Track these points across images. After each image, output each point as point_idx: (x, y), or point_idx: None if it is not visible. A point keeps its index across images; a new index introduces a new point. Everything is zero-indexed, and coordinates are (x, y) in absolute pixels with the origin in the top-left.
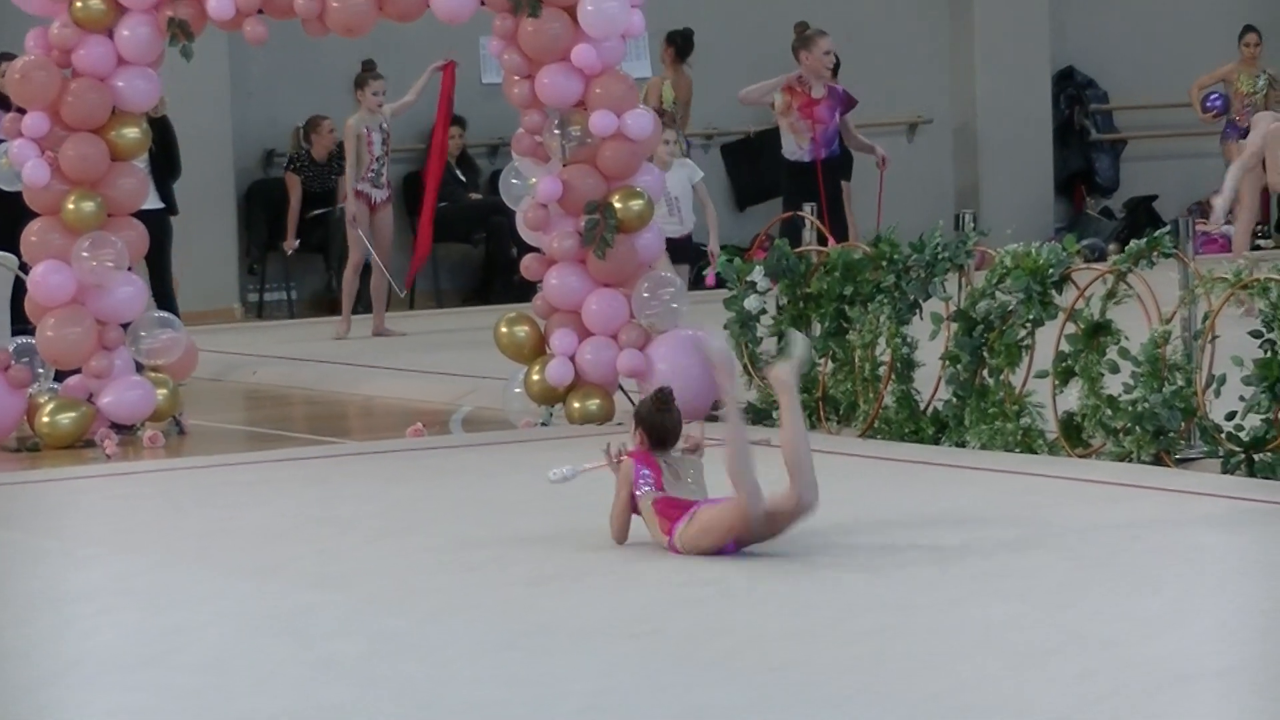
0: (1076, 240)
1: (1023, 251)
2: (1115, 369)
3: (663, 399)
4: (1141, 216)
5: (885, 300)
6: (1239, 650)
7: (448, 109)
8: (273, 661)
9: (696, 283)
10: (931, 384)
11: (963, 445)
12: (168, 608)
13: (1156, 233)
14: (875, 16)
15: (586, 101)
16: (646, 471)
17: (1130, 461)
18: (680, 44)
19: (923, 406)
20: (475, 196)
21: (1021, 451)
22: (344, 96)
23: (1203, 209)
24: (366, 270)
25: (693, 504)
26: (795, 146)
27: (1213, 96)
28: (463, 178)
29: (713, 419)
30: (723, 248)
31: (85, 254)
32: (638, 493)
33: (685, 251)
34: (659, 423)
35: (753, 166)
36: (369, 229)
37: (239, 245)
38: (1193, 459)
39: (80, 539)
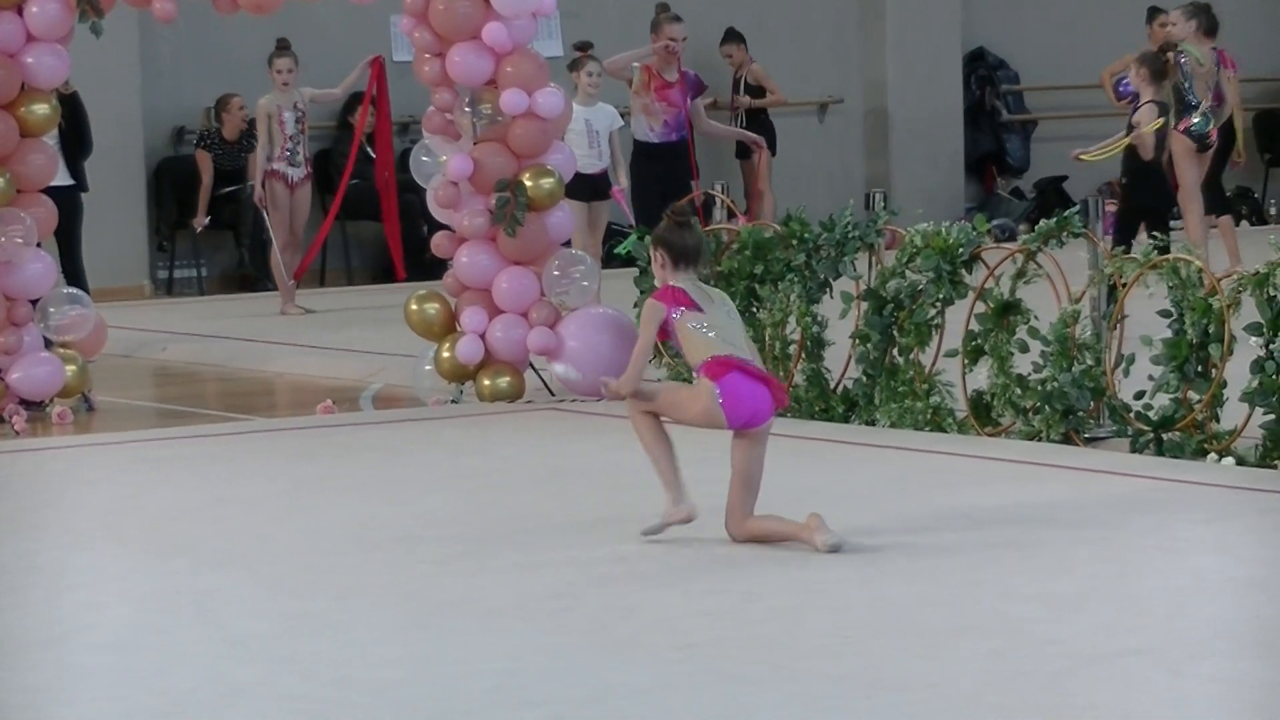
0: (987, 220)
1: (933, 231)
2: (1025, 348)
3: (681, 215)
4: (1051, 197)
5: (795, 279)
6: (1149, 630)
7: (384, 105)
8: (181, 641)
9: (608, 259)
10: (841, 363)
11: (873, 424)
12: (75, 586)
13: (1066, 212)
14: (788, 2)
15: (497, 80)
16: (677, 307)
17: (1039, 440)
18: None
19: (833, 385)
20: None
21: (931, 430)
22: (256, 75)
23: (1112, 190)
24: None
25: (734, 382)
26: (646, 129)
27: (1125, 82)
28: (373, 155)
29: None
30: (633, 227)
31: None
32: (674, 316)
33: (604, 188)
34: (679, 240)
35: None
36: (287, 209)
37: (149, 222)
38: (1102, 438)
39: None
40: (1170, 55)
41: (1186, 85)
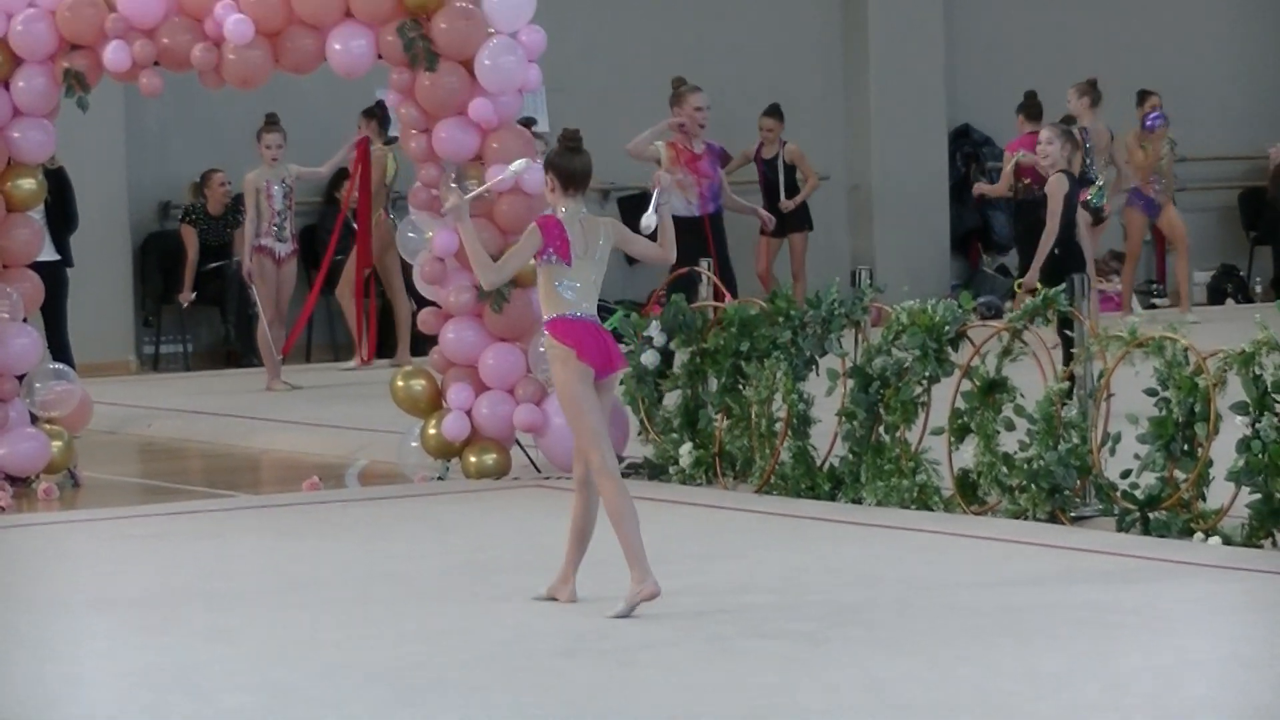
0: (972, 297)
1: (918, 308)
2: (1011, 426)
3: (571, 139)
4: None
5: (781, 356)
6: (1133, 709)
7: (366, 184)
8: (165, 715)
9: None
10: (828, 440)
11: (859, 501)
12: (59, 659)
13: (1051, 290)
14: (771, 74)
15: (483, 155)
16: (550, 251)
17: (1025, 519)
18: (380, 115)
19: (819, 462)
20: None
21: (917, 508)
22: (242, 149)
23: (1097, 267)
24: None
25: (576, 338)
26: (684, 203)
27: (1153, 115)
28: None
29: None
30: (619, 303)
31: None
32: (544, 258)
33: None
34: (568, 164)
35: None
36: (274, 283)
37: (134, 297)
38: (1088, 517)
39: None
40: (1077, 130)
41: (1088, 160)
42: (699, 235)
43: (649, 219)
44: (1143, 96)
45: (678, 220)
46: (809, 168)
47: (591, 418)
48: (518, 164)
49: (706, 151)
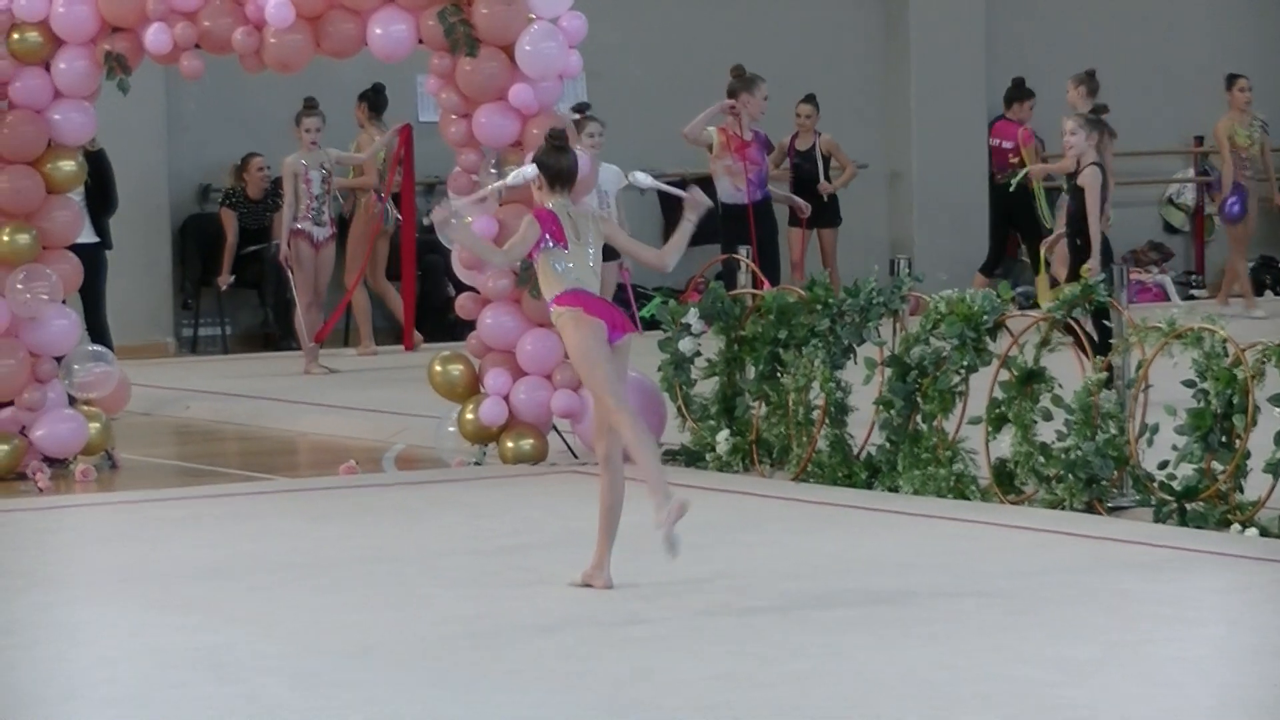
0: (1010, 287)
1: (957, 298)
2: (1048, 416)
3: (556, 137)
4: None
5: (819, 344)
6: (1165, 698)
7: (409, 170)
8: (193, 697)
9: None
10: (865, 429)
11: (895, 490)
12: (90, 641)
13: (1090, 280)
14: (810, 63)
15: (523, 141)
16: (547, 237)
17: (1062, 509)
18: (373, 99)
19: (856, 451)
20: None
21: (954, 497)
22: (281, 133)
23: (1136, 258)
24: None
25: (582, 300)
26: (732, 189)
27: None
28: (398, 217)
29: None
30: (657, 289)
31: (19, 286)
32: (542, 246)
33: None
34: (555, 163)
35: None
36: (312, 268)
37: (173, 280)
38: (1125, 507)
39: (6, 572)
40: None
41: None
42: (743, 222)
43: (646, 179)
44: (1231, 80)
45: (725, 207)
46: (845, 157)
47: (604, 368)
48: (529, 169)
49: (755, 139)
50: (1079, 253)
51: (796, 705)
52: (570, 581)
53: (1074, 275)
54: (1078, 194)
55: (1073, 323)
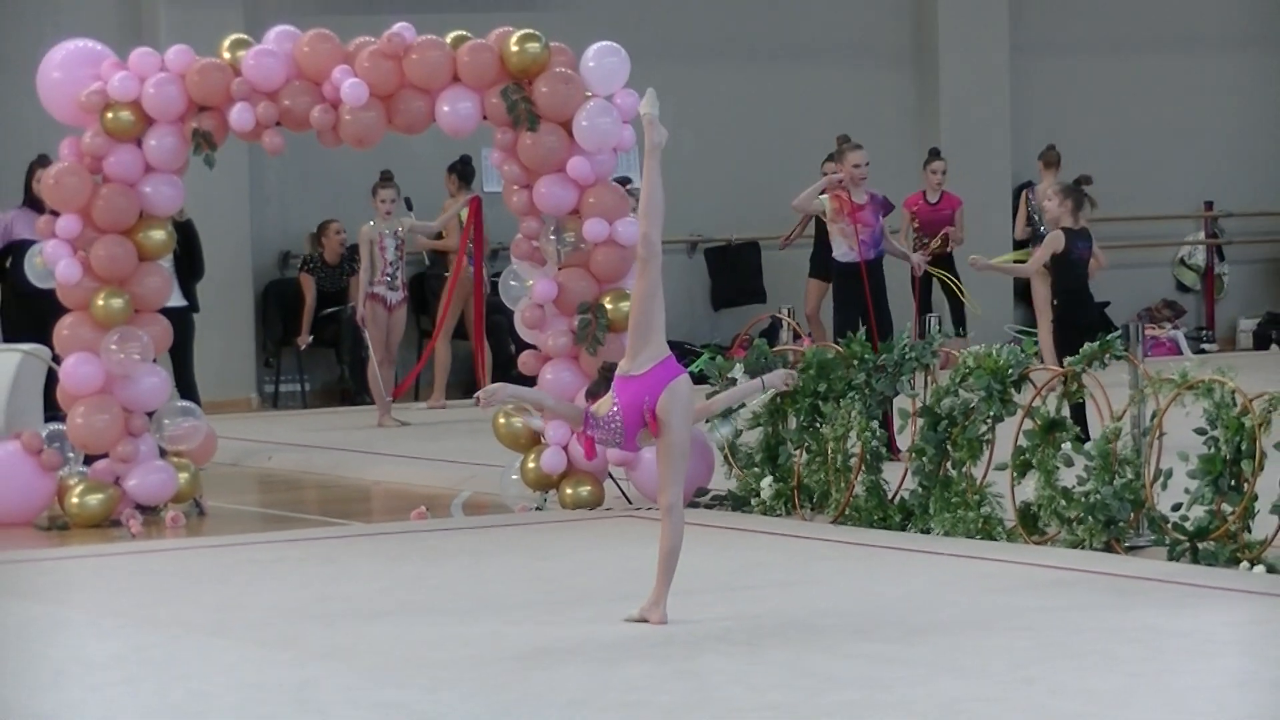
0: (1034, 343)
1: (984, 353)
2: (1069, 462)
3: (607, 369)
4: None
5: (856, 397)
6: None
7: (479, 240)
8: None
9: None
10: (899, 475)
11: (927, 532)
12: (186, 677)
13: (1109, 337)
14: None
15: (580, 210)
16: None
17: (1083, 549)
18: (461, 170)
19: (890, 495)
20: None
21: (982, 538)
22: (357, 202)
23: (1151, 315)
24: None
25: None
26: (846, 249)
27: None
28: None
29: (702, 492)
30: (704, 346)
31: (113, 347)
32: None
33: None
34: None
35: (732, 271)
36: (385, 328)
37: (256, 340)
38: (1141, 546)
39: (105, 612)
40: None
41: (1037, 218)
42: (857, 279)
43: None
44: None
45: (839, 265)
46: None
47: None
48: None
49: (870, 201)
50: (1061, 310)
51: None
52: (627, 617)
53: (1062, 330)
54: (1056, 263)
55: (1093, 377)
